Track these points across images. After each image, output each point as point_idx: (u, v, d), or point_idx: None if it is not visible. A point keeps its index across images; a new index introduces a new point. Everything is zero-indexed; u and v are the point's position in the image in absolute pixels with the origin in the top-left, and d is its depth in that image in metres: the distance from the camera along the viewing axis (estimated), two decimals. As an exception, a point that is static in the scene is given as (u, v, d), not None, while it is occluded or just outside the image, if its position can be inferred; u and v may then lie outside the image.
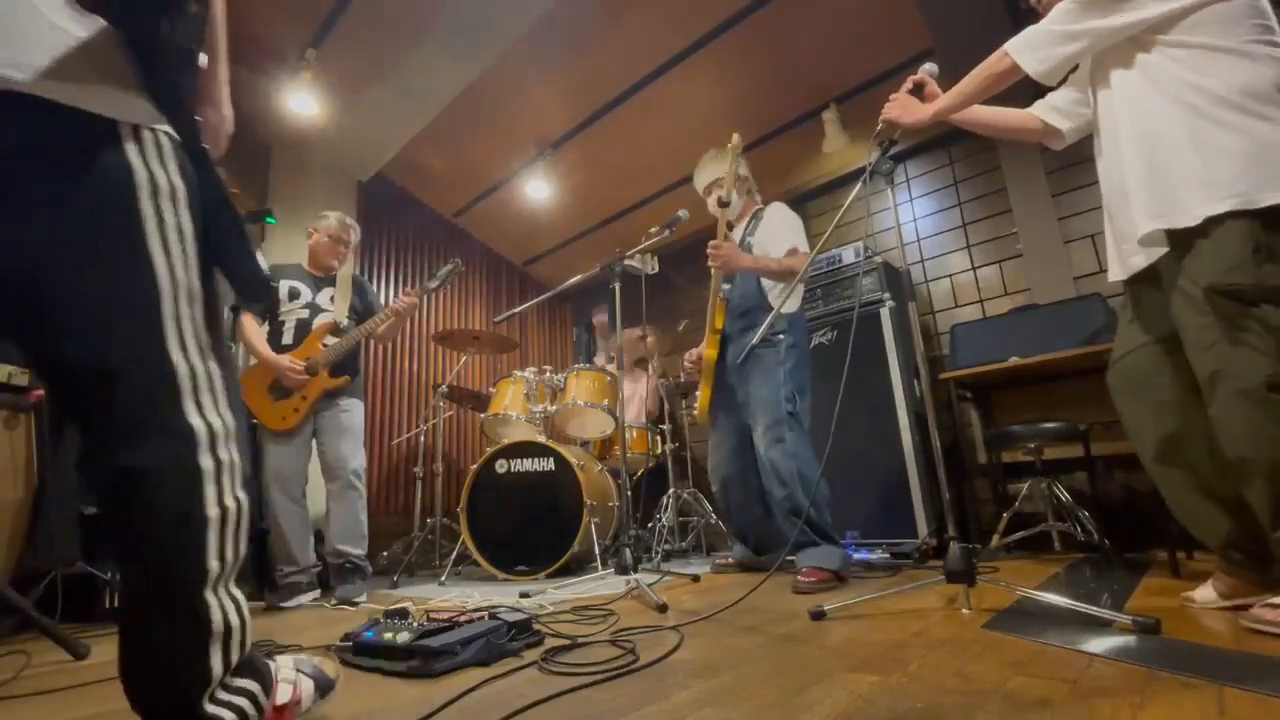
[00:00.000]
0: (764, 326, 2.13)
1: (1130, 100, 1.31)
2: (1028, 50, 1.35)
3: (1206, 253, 1.17)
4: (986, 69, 1.42)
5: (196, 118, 0.75)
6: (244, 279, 0.80)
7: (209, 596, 0.68)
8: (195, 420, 0.69)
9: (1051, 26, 1.33)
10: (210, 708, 0.67)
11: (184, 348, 0.69)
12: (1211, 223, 1.16)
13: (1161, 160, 1.24)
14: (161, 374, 0.68)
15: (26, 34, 0.62)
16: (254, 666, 0.74)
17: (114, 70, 0.67)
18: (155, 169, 0.69)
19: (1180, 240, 1.22)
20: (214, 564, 0.69)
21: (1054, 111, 1.59)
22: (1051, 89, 1.54)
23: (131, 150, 0.68)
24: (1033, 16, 1.44)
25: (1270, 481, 1.12)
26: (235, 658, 0.71)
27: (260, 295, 0.83)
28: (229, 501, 0.71)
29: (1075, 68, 1.45)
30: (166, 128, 0.71)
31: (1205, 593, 1.35)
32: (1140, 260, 1.36)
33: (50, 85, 0.62)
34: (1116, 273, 1.44)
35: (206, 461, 0.69)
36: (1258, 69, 1.17)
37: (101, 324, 0.66)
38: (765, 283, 2.35)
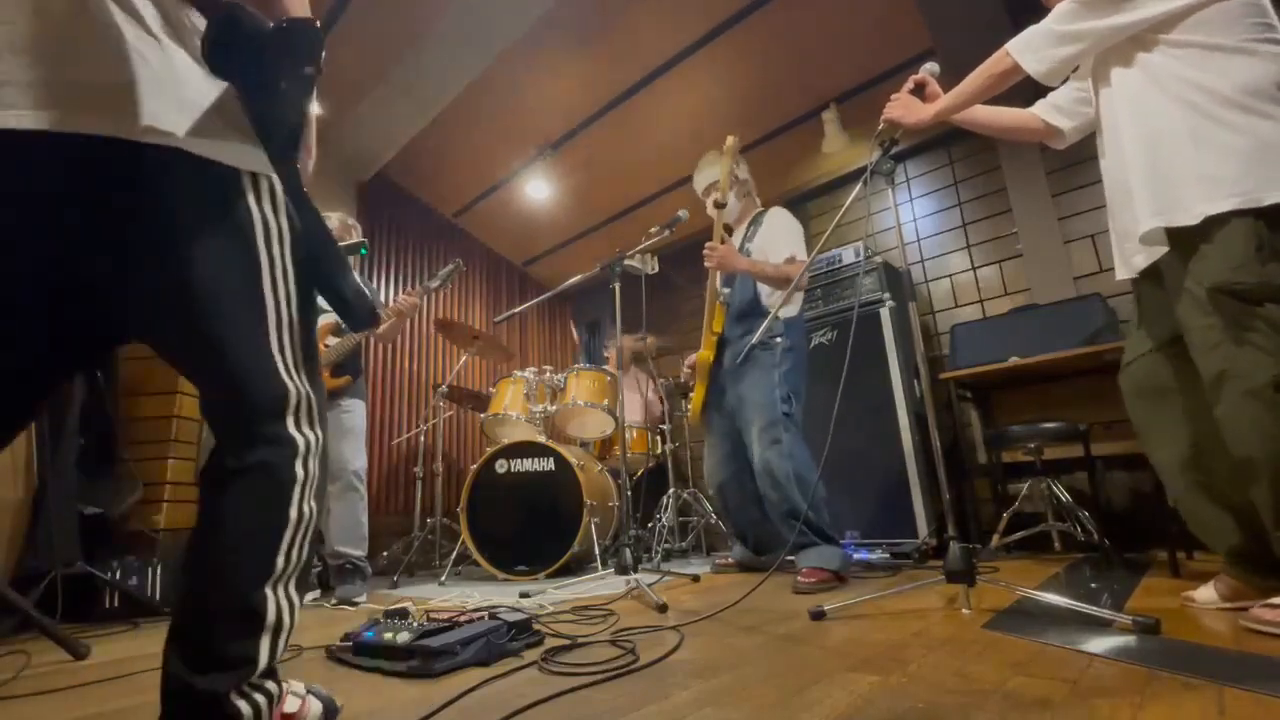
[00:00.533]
0: (761, 329, 2.12)
1: (1131, 99, 1.30)
2: (1028, 51, 1.35)
3: (1210, 253, 1.17)
4: (987, 69, 1.42)
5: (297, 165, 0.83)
6: (354, 308, 0.89)
7: (268, 591, 0.74)
8: (295, 433, 0.78)
9: (1052, 26, 1.33)
10: (236, 699, 0.71)
11: (288, 370, 0.79)
12: (1214, 222, 1.16)
13: (1163, 158, 1.23)
14: (275, 393, 0.77)
15: (177, 98, 0.72)
16: (275, 671, 0.78)
17: (238, 125, 0.76)
18: (268, 214, 0.79)
19: (1182, 239, 1.22)
20: (281, 561, 0.76)
21: (1055, 110, 1.58)
22: (1052, 88, 1.54)
23: (251, 197, 0.77)
24: (1042, 13, 1.43)
25: (1276, 482, 1.12)
26: (278, 654, 0.76)
27: (369, 322, 0.92)
28: (305, 508, 0.79)
29: (1076, 67, 1.45)
30: (273, 172, 0.80)
31: (1206, 593, 1.35)
32: (1142, 259, 1.36)
33: (194, 141, 0.72)
34: (1121, 272, 1.44)
35: (299, 470, 0.78)
36: (1259, 66, 1.17)
37: (230, 350, 0.75)
38: (762, 287, 2.35)
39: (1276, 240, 1.12)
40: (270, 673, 0.76)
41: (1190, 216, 1.18)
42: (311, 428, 0.81)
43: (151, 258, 0.73)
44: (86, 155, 0.68)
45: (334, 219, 2.62)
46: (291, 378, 0.79)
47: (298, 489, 0.78)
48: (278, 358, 0.78)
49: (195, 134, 0.72)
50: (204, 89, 0.74)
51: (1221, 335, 1.16)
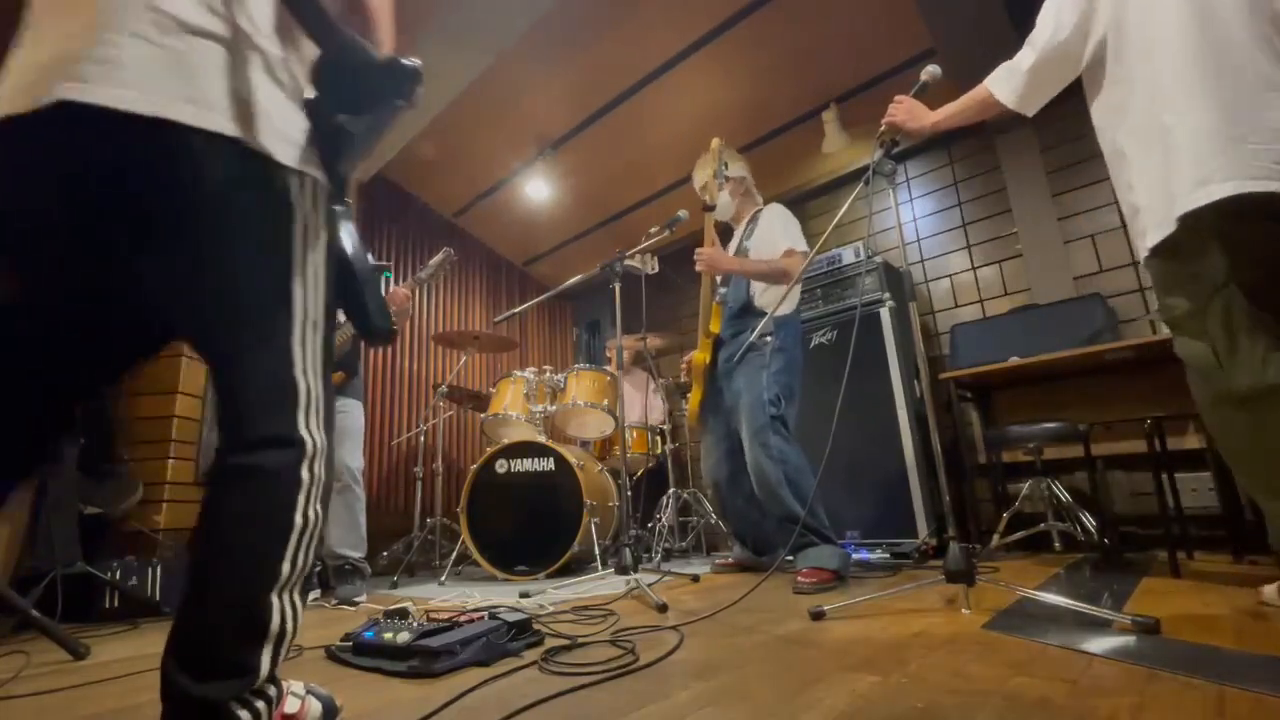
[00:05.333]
0: (758, 330, 2.12)
1: (1097, 127, 1.36)
2: (997, 84, 1.45)
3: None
4: (979, 99, 1.50)
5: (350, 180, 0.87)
6: (375, 325, 0.92)
7: (274, 598, 0.73)
8: (304, 434, 0.77)
9: (1014, 58, 1.43)
10: (236, 708, 0.70)
11: (304, 370, 0.79)
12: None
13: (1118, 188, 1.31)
14: (288, 389, 0.77)
15: (233, 96, 0.74)
16: (274, 674, 0.78)
17: (294, 127, 0.79)
18: (309, 210, 0.80)
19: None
20: (286, 568, 0.74)
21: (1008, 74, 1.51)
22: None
23: (295, 192, 0.79)
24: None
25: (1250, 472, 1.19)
26: (279, 662, 0.75)
27: (387, 341, 0.95)
28: (311, 513, 0.77)
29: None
30: (322, 176, 0.82)
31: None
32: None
33: (248, 132, 0.74)
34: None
35: (305, 473, 0.77)
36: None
37: (249, 338, 0.76)
38: (756, 286, 2.35)
39: (1169, 276, 1.19)
40: (270, 677, 0.75)
41: (1142, 246, 1.22)
42: (320, 430, 0.80)
43: (185, 241, 0.73)
44: (137, 139, 0.69)
45: None
46: (306, 377, 0.79)
47: (303, 493, 0.77)
48: (296, 353, 0.78)
49: (246, 124, 0.74)
50: (272, 90, 0.78)
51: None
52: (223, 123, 0.72)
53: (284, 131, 0.77)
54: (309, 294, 0.80)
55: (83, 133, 0.68)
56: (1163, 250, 1.16)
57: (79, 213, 0.72)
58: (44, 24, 0.74)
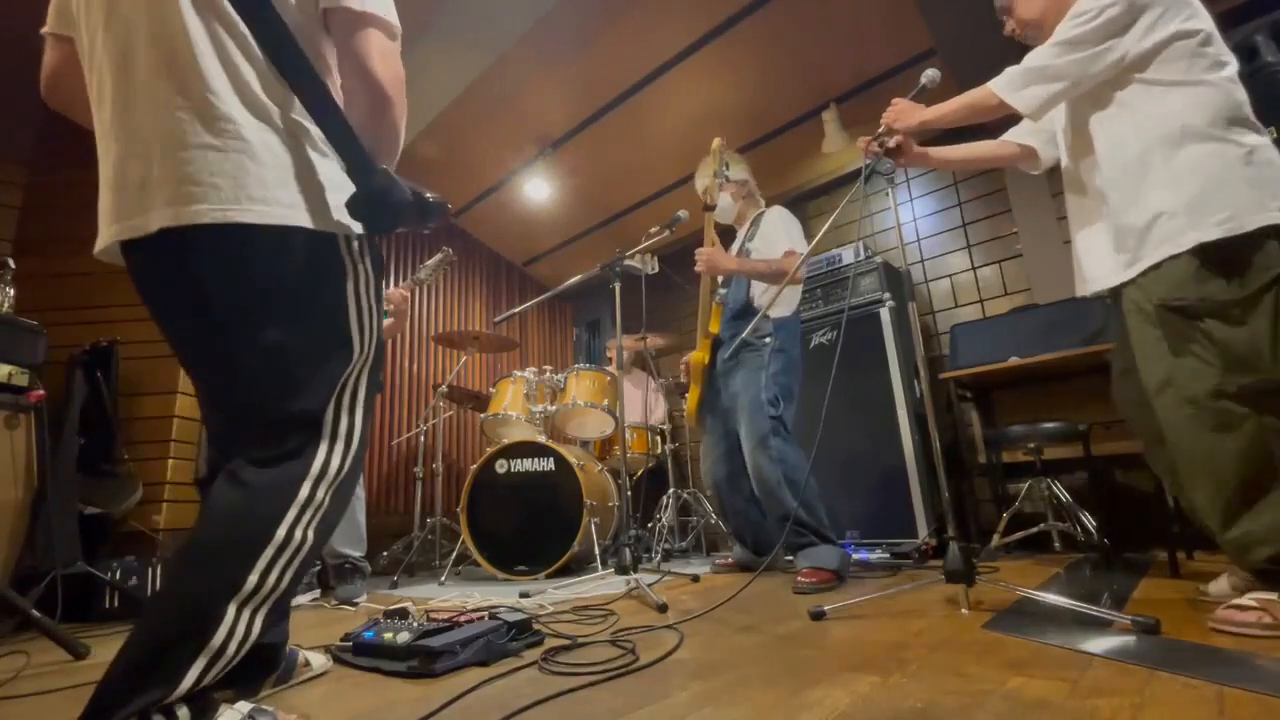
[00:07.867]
0: (750, 327, 2.12)
1: (1108, 136, 1.35)
2: (1011, 89, 1.38)
3: (1158, 275, 1.26)
4: (970, 104, 1.45)
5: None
6: None
7: (230, 608, 0.70)
8: (318, 458, 0.81)
9: (1034, 64, 1.37)
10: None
11: (339, 403, 0.86)
12: (1171, 257, 1.24)
13: (1143, 194, 1.28)
14: (316, 417, 0.83)
15: (301, 185, 0.86)
16: (203, 702, 0.72)
17: (340, 199, 0.88)
18: (359, 265, 0.91)
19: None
20: (253, 579, 0.72)
21: (1029, 135, 1.65)
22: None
23: (344, 253, 0.89)
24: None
25: (1214, 483, 1.18)
26: (207, 680, 0.70)
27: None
28: (298, 533, 0.77)
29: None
30: (362, 234, 0.93)
31: (1220, 586, 1.37)
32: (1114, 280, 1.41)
33: (313, 219, 0.85)
34: (1082, 289, 1.50)
35: (305, 491, 0.79)
36: (1218, 96, 1.24)
37: (295, 372, 0.83)
38: (756, 286, 2.35)
39: (1211, 266, 1.20)
40: (194, 700, 0.69)
41: (1175, 247, 1.23)
42: (340, 457, 0.84)
43: (264, 309, 0.84)
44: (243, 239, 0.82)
45: None
46: (339, 408, 0.85)
47: (295, 508, 0.77)
48: (339, 388, 0.85)
49: (306, 209, 0.85)
50: (330, 175, 0.90)
51: (1166, 347, 1.24)
52: (284, 214, 0.83)
53: (335, 206, 0.87)
54: (365, 336, 0.89)
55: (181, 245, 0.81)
56: (1222, 244, 1.19)
57: (198, 304, 0.84)
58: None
